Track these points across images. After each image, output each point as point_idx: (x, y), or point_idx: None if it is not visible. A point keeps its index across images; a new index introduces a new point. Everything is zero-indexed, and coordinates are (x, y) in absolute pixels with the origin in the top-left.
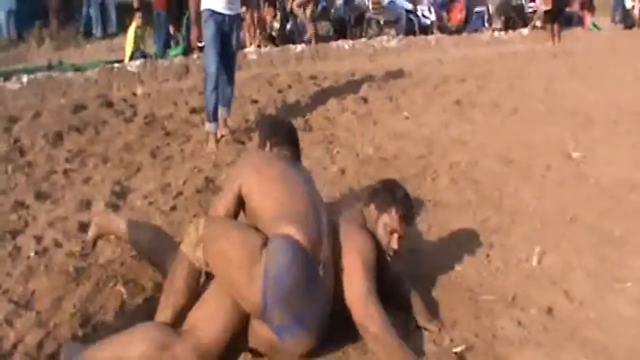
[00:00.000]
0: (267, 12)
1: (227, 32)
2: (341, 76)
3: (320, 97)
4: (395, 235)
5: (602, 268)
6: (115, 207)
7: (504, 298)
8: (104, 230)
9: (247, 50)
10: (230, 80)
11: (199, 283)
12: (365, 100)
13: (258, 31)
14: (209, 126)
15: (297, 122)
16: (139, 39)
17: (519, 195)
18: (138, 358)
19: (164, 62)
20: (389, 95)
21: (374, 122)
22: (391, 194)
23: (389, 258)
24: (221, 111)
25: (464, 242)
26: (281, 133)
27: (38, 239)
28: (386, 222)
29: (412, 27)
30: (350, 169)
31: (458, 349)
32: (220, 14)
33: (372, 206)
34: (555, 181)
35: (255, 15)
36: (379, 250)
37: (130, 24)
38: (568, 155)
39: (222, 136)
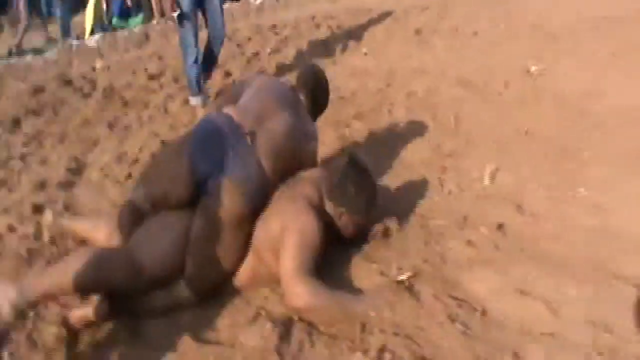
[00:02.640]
0: None
1: None
2: (301, 22)
3: (280, 46)
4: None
5: (558, 179)
6: (70, 184)
7: (456, 221)
8: (58, 235)
9: None
10: (217, 43)
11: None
12: (324, 42)
13: None
14: (194, 100)
15: (254, 72)
16: (99, 12)
17: (476, 117)
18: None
19: (123, 33)
20: (349, 34)
21: (334, 62)
22: (360, 198)
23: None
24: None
25: (417, 169)
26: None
27: None
28: (349, 222)
29: None
30: None
31: (403, 277)
32: None
33: (340, 208)
34: (514, 98)
35: None
36: (330, 226)
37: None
38: (527, 71)
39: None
